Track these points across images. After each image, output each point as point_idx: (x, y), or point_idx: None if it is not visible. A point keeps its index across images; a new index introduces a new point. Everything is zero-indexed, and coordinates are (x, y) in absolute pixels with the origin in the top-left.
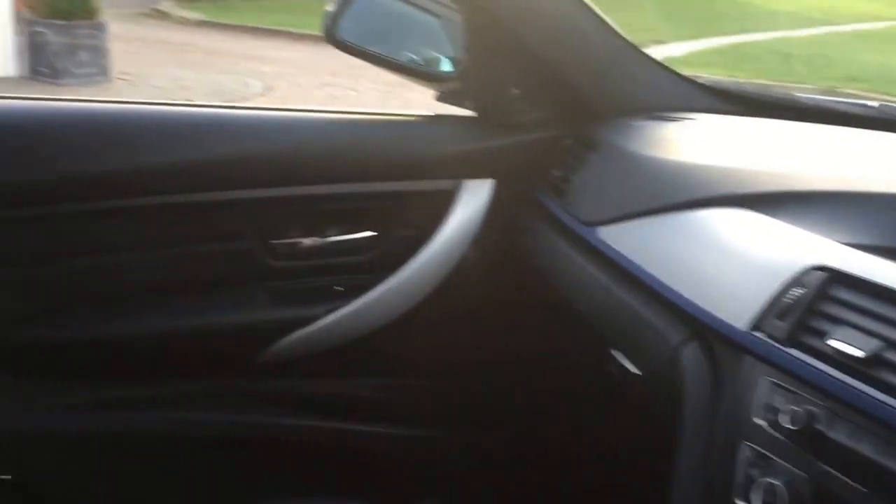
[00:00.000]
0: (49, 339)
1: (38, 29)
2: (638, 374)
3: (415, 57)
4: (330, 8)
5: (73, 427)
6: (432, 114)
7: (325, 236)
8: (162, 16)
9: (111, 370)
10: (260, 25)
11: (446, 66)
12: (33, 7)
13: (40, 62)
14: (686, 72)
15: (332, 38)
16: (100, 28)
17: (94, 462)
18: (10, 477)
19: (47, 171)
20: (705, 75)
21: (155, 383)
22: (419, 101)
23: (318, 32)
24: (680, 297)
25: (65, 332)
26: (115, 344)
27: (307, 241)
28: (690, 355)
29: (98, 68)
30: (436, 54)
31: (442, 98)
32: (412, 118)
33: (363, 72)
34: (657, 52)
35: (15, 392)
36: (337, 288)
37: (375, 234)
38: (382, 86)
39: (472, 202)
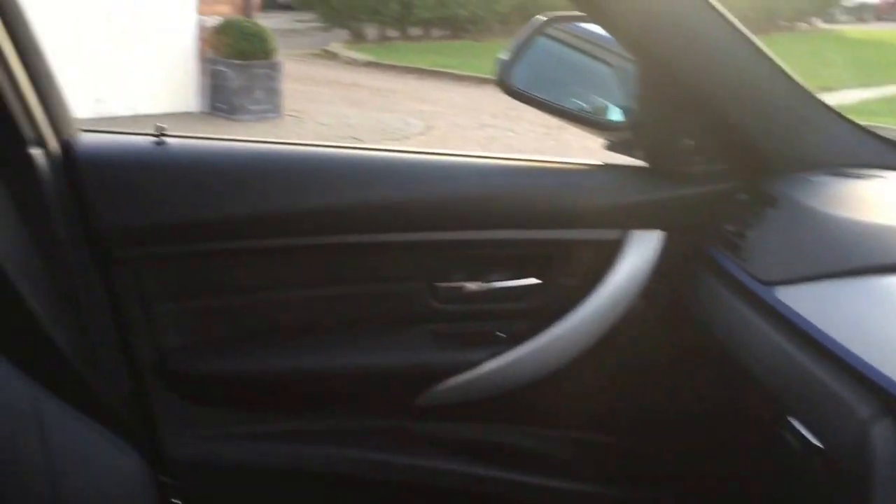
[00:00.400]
0: (220, 371)
1: (220, 68)
2: (819, 447)
3: (584, 105)
4: (503, 56)
5: (239, 456)
6: (601, 162)
7: (489, 281)
8: (331, 56)
9: (277, 404)
10: (424, 66)
11: (615, 114)
12: (216, 48)
13: (220, 99)
14: (858, 121)
15: (505, 85)
16: (275, 68)
17: (256, 492)
18: (177, 502)
19: (227, 208)
20: (879, 124)
21: (317, 419)
22: (576, 144)
23: (478, 74)
24: (871, 367)
25: (236, 365)
26: (282, 378)
27: (471, 286)
28: (883, 433)
29: (271, 105)
30: (605, 102)
31: (611, 147)
32: (580, 166)
33: (521, 113)
34: (828, 100)
35: (187, 420)
36: (499, 334)
37: (539, 281)
38: (540, 128)
39: (639, 253)
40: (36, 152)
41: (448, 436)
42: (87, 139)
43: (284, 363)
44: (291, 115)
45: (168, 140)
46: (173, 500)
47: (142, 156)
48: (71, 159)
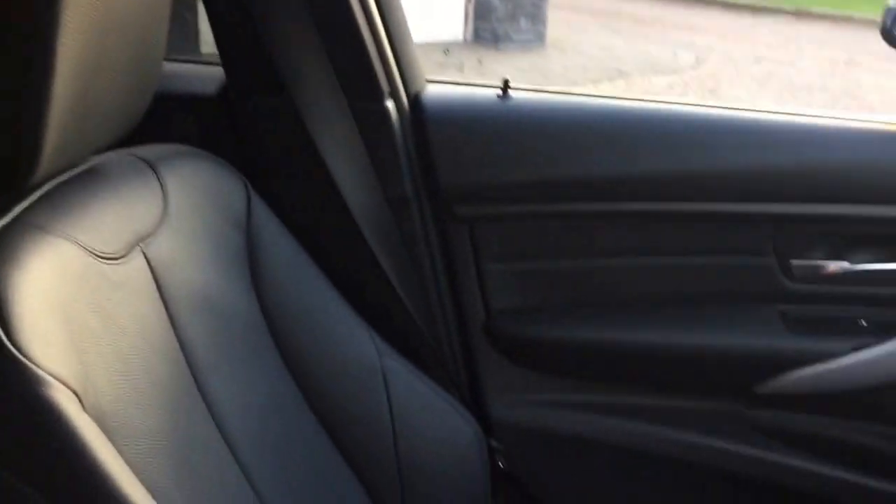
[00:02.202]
0: (549, 336)
1: None
2: None
3: None
4: (892, 3)
5: (565, 426)
6: None
7: (853, 262)
8: None
9: (604, 375)
10: None
11: None
12: None
13: (484, 28)
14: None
15: (891, 36)
16: None
17: (578, 463)
18: (502, 465)
19: (565, 169)
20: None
21: (647, 395)
22: (868, 81)
23: (751, 2)
24: None
25: (565, 331)
26: (611, 349)
27: (832, 266)
28: None
29: (535, 35)
30: None
31: None
32: None
33: (802, 44)
34: None
35: (513, 384)
36: (861, 322)
37: None
38: (826, 63)
39: None
40: (389, 105)
41: (789, 428)
42: (434, 92)
43: (616, 334)
44: (553, 45)
45: (512, 93)
46: (500, 463)
47: (485, 111)
48: (419, 113)
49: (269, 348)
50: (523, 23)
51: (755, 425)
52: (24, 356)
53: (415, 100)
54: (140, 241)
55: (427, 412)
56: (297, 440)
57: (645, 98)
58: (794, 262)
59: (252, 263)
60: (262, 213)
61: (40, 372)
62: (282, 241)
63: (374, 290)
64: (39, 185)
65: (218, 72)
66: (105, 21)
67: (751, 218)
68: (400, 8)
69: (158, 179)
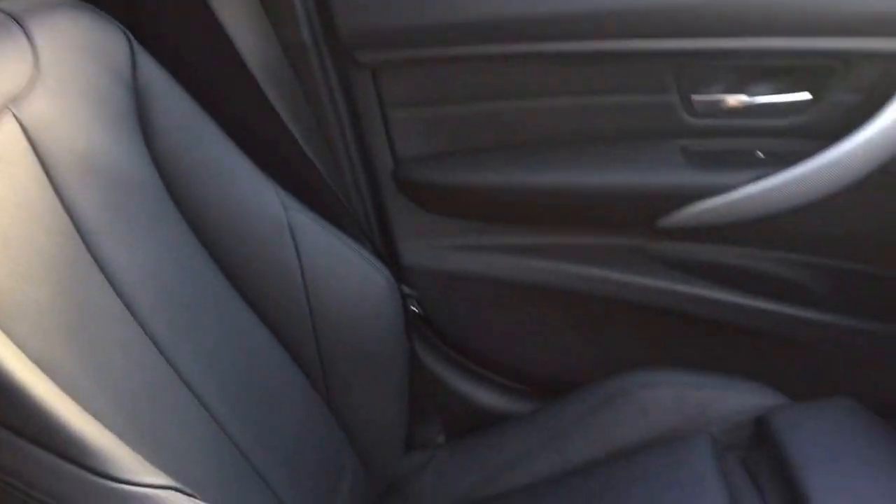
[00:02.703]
0: (457, 181)
1: None
2: None
3: None
4: None
5: (474, 268)
6: None
7: (752, 95)
8: None
9: (513, 217)
10: None
11: None
12: None
13: None
14: None
15: None
16: None
17: (489, 303)
18: (421, 314)
19: (471, 10)
20: None
21: (554, 234)
22: None
23: None
24: None
25: (473, 176)
26: (519, 191)
27: (731, 100)
28: None
29: None
30: None
31: None
32: None
33: None
34: None
35: (424, 230)
36: (758, 154)
37: (810, 97)
38: None
39: None
40: None
41: (691, 258)
42: None
43: (521, 176)
44: None
45: None
46: (412, 307)
47: None
48: None
49: (168, 209)
50: None
51: (657, 258)
52: None
53: None
54: (9, 104)
55: (337, 264)
56: (205, 301)
57: None
58: (695, 97)
59: (142, 122)
60: (149, 67)
61: None
62: (173, 97)
63: (276, 144)
64: None
65: None
66: None
67: (652, 55)
68: None
69: (26, 35)
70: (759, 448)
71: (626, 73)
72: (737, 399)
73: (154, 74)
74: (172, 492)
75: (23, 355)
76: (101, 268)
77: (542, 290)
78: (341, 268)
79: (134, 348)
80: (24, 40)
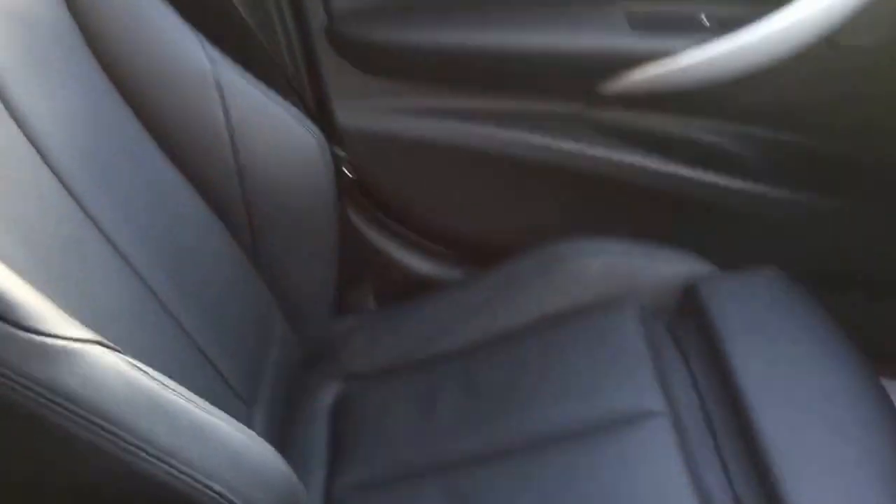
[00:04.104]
0: (393, 40)
1: None
2: None
3: None
4: None
5: (408, 131)
6: None
7: None
8: None
9: (451, 80)
10: None
11: None
12: None
13: None
14: None
15: None
16: None
17: (423, 167)
18: (353, 177)
19: None
20: None
21: (492, 99)
22: None
23: None
24: None
25: (410, 35)
26: (459, 53)
27: None
28: None
29: None
30: None
31: None
32: None
33: None
34: None
35: (358, 91)
36: (703, 20)
37: None
38: None
39: None
40: None
41: (630, 126)
42: None
43: (462, 37)
44: None
45: None
46: (346, 170)
47: None
48: None
49: (86, 60)
50: None
51: (594, 125)
52: None
53: None
54: None
55: (267, 123)
56: (125, 154)
57: None
58: None
59: None
60: None
61: None
62: None
63: None
64: None
65: None
66: None
67: None
68: None
69: None
70: (685, 315)
71: None
72: (665, 267)
73: None
74: (95, 345)
75: None
76: (13, 114)
77: (478, 154)
78: (271, 126)
79: (49, 198)
80: None
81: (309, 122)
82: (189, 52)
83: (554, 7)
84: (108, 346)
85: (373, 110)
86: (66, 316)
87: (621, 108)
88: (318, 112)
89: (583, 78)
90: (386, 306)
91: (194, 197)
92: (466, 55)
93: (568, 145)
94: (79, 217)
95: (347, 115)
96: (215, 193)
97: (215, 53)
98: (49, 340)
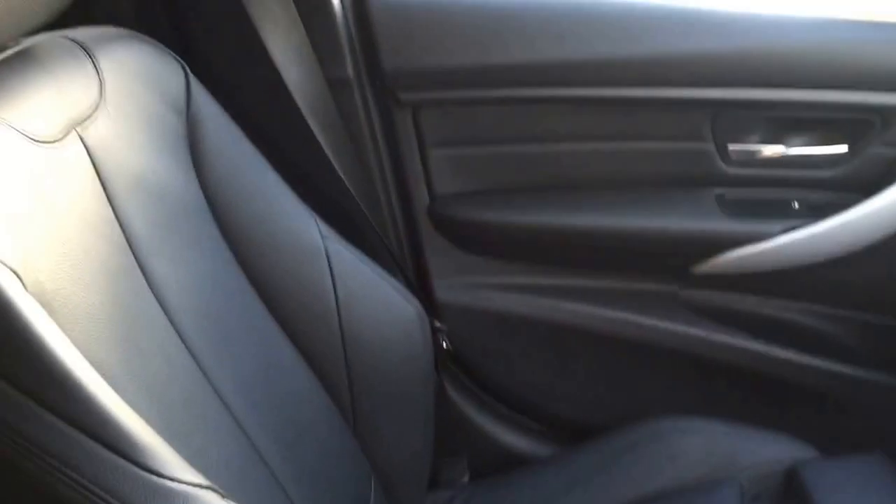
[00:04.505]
0: (491, 219)
1: None
2: None
3: None
4: None
5: (505, 306)
6: None
7: (789, 146)
8: None
9: (546, 258)
10: None
11: None
12: None
13: None
14: None
15: None
16: None
17: (519, 342)
18: (446, 345)
19: (507, 55)
20: None
21: (586, 276)
22: None
23: None
24: None
25: (507, 215)
26: (550, 232)
27: (767, 150)
28: None
29: None
30: None
31: None
32: None
33: None
34: None
35: (457, 266)
36: (794, 205)
37: (846, 149)
38: None
39: None
40: None
41: (723, 306)
42: None
43: (556, 217)
44: None
45: None
46: (444, 342)
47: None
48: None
49: (212, 232)
50: None
51: (689, 304)
52: None
53: None
54: (76, 126)
55: (371, 294)
56: (241, 319)
57: None
58: (731, 146)
59: (193, 148)
60: (202, 96)
61: None
62: (222, 125)
63: (317, 175)
64: None
65: None
66: None
67: (690, 103)
68: None
69: (93, 62)
70: (787, 501)
71: (662, 120)
72: (766, 449)
73: (206, 104)
74: (210, 492)
75: (78, 353)
76: (148, 279)
77: (573, 332)
78: (374, 298)
79: (173, 357)
80: (91, 68)
81: (410, 295)
82: (303, 226)
83: (645, 190)
84: (220, 493)
85: (471, 286)
86: (184, 462)
87: (715, 288)
88: (419, 285)
89: (676, 259)
90: (479, 481)
91: (300, 362)
92: (562, 235)
93: (663, 324)
94: (197, 375)
95: (446, 289)
96: (319, 359)
97: (326, 229)
98: (170, 483)
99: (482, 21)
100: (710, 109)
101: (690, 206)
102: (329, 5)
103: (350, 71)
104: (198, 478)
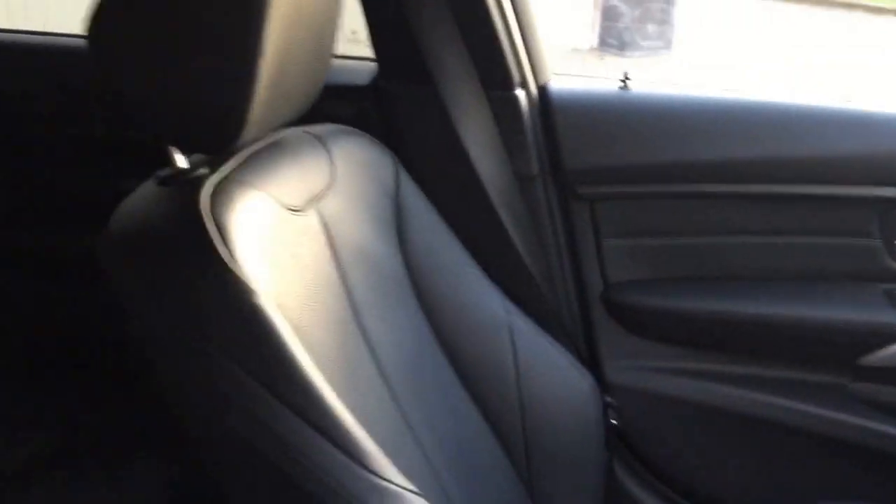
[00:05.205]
0: (662, 307)
1: (613, 3)
2: None
3: None
4: None
5: (674, 390)
6: None
7: None
8: None
9: (714, 345)
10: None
11: None
12: None
13: (610, 34)
14: None
15: None
16: (670, 1)
17: (685, 426)
18: (616, 423)
19: (681, 154)
20: None
21: (754, 365)
22: None
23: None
24: None
25: (677, 303)
26: (721, 321)
27: None
28: None
29: (663, 41)
30: None
31: None
32: None
33: None
34: None
35: (627, 349)
36: None
37: None
38: None
39: None
40: (520, 94)
41: (890, 399)
42: (560, 83)
43: (725, 306)
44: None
45: (632, 86)
46: (613, 419)
47: (607, 101)
48: (546, 102)
49: (412, 299)
50: (650, 29)
51: (858, 396)
52: (242, 274)
53: (542, 90)
54: (315, 200)
55: (549, 365)
56: (433, 377)
57: (754, 90)
58: None
59: (399, 227)
60: (408, 185)
61: (253, 285)
62: (424, 210)
63: (503, 257)
64: (239, 151)
65: (367, 66)
66: (295, 17)
67: (857, 201)
68: (530, 9)
69: (327, 152)
70: None
71: (831, 216)
72: None
73: (411, 191)
74: (421, 498)
75: (317, 370)
76: (363, 331)
77: (741, 418)
78: (551, 369)
79: (381, 399)
80: (325, 156)
81: (584, 370)
82: (489, 301)
83: (811, 281)
84: (427, 500)
85: (640, 368)
86: (396, 470)
87: (883, 381)
88: (590, 361)
89: (843, 350)
90: None
91: (482, 422)
92: (731, 323)
93: (830, 413)
94: (398, 416)
95: (616, 370)
96: (498, 420)
97: (509, 305)
98: (389, 485)
99: (657, 121)
100: (879, 207)
101: (857, 298)
102: (519, 108)
103: (535, 169)
104: (409, 484)
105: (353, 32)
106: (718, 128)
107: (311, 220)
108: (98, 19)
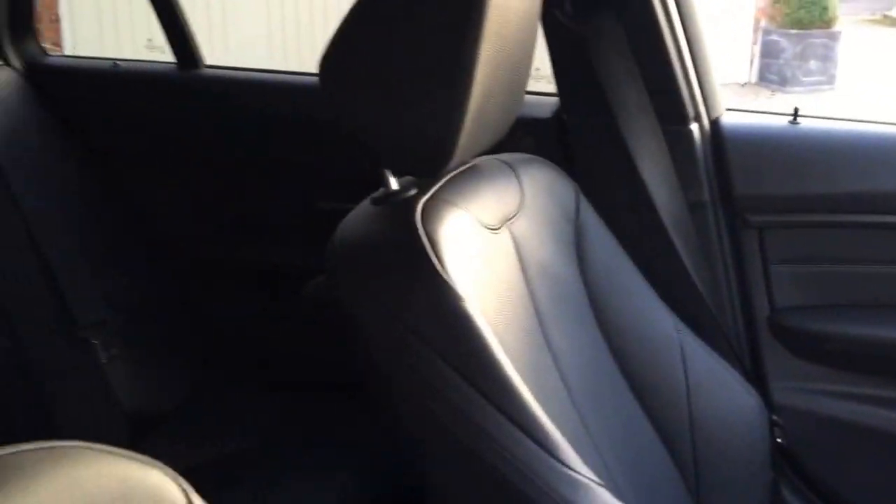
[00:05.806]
0: (828, 332)
1: (773, 38)
2: None
3: None
4: None
5: (836, 412)
6: None
7: None
8: (893, 22)
9: (878, 369)
10: None
11: None
12: (772, 17)
13: (770, 69)
14: None
15: None
16: (833, 37)
17: (853, 448)
18: (782, 441)
19: (849, 185)
20: None
21: None
22: None
23: None
24: None
25: (843, 328)
26: (887, 345)
27: None
28: None
29: (825, 77)
30: None
31: None
32: None
33: None
34: None
35: (793, 372)
36: None
37: None
38: None
39: None
40: (694, 128)
41: None
42: (731, 117)
43: (890, 333)
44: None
45: (802, 120)
46: (779, 438)
47: (777, 134)
48: (718, 134)
49: (589, 315)
50: (812, 65)
51: None
52: (450, 281)
53: (715, 123)
54: (507, 221)
55: (717, 384)
56: (609, 389)
57: None
58: None
59: (578, 249)
60: (587, 210)
61: (461, 291)
62: (602, 234)
63: (674, 279)
64: (444, 175)
65: (549, 101)
66: (500, 57)
67: None
68: (705, 45)
69: (517, 177)
70: None
71: None
72: None
73: (590, 216)
74: (604, 489)
75: (515, 371)
76: (547, 341)
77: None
78: (720, 386)
79: (563, 404)
80: (515, 181)
81: (751, 388)
82: (661, 320)
83: None
84: (610, 492)
85: (806, 391)
86: (582, 462)
87: None
88: (756, 381)
89: None
90: None
91: (654, 434)
92: (891, 348)
93: None
94: (578, 421)
95: (783, 391)
96: (668, 434)
97: (680, 324)
98: (576, 475)
99: (826, 153)
100: None
101: None
102: (692, 140)
103: (707, 198)
104: (594, 476)
105: (536, 69)
106: (886, 160)
107: (504, 238)
108: (329, 60)
